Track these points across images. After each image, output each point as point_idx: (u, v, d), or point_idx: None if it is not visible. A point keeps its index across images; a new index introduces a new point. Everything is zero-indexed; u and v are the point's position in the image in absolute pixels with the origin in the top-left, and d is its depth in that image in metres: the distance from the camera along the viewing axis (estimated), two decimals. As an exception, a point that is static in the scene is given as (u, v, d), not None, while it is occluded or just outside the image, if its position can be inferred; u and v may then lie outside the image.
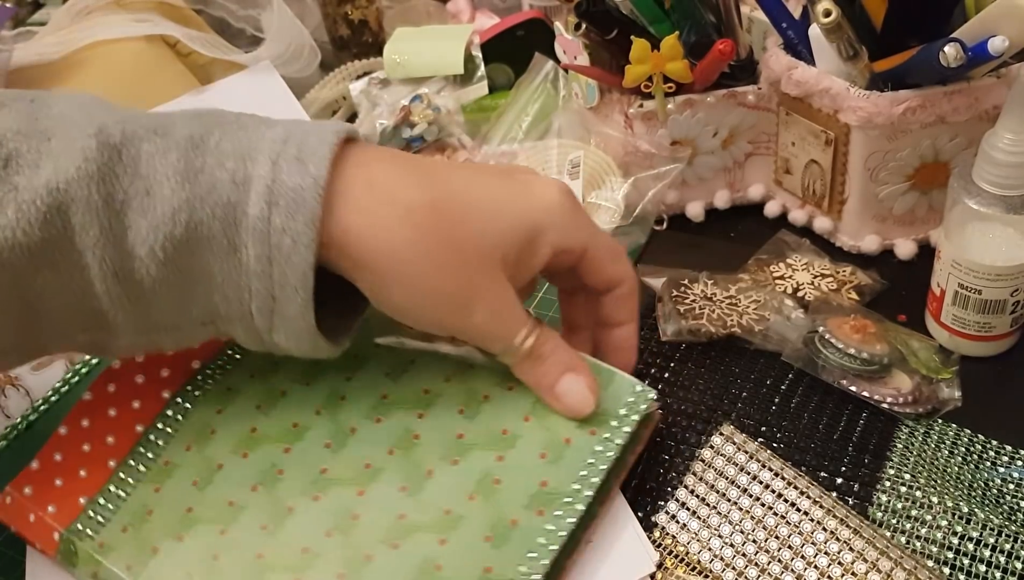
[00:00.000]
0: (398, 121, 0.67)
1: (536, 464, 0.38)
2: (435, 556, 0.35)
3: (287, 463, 0.39)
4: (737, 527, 0.41)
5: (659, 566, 0.40)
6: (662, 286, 0.53)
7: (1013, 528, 0.40)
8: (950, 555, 0.40)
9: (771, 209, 0.61)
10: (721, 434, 0.44)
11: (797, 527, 0.40)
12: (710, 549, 0.41)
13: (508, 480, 0.37)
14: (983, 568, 0.39)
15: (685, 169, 0.59)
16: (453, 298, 0.37)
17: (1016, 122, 0.43)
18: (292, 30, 0.74)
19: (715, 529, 0.41)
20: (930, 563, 0.39)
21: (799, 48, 0.54)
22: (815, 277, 0.54)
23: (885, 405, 0.46)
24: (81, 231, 0.33)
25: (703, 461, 0.44)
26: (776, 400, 0.47)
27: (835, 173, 0.55)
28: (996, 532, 0.40)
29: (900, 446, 0.44)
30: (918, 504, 0.41)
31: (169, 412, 0.42)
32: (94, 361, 0.50)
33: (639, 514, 0.42)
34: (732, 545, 0.41)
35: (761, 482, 0.42)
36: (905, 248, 0.56)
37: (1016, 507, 0.41)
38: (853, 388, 0.46)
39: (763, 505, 0.41)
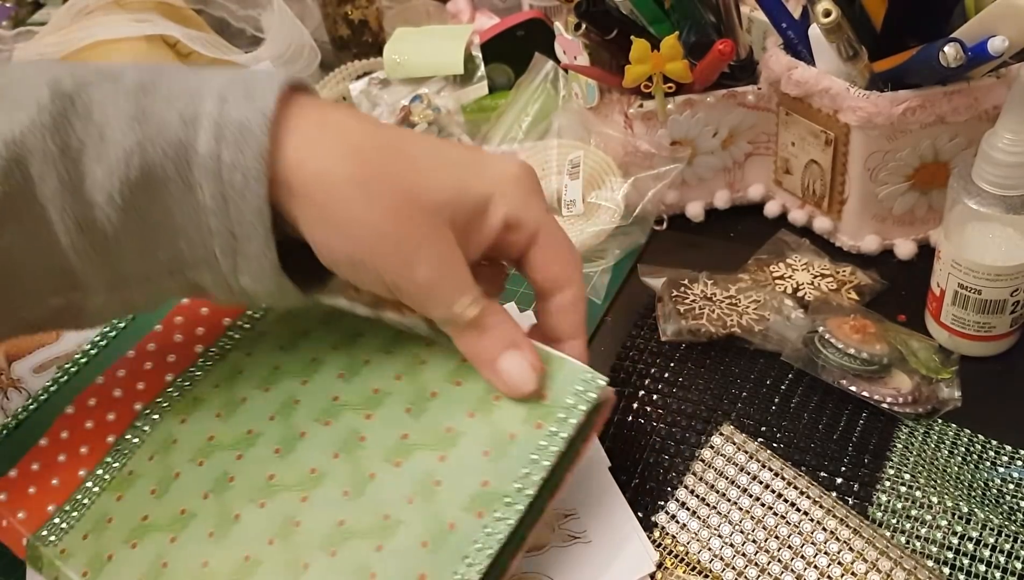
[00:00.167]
0: (398, 121, 0.67)
1: (478, 463, 0.36)
2: (370, 563, 0.34)
3: (238, 470, 0.39)
4: (737, 527, 0.41)
5: (659, 566, 0.40)
6: (662, 286, 0.53)
7: (1013, 528, 0.40)
8: (950, 555, 0.40)
9: (771, 209, 0.61)
10: (721, 434, 0.45)
11: (797, 527, 0.40)
12: (710, 549, 0.41)
13: (449, 481, 0.36)
14: (983, 568, 0.39)
15: (685, 169, 0.59)
16: (395, 245, 0.35)
17: (1016, 122, 0.43)
18: (292, 30, 0.75)
19: (715, 529, 0.41)
20: (930, 563, 0.39)
21: (799, 48, 0.54)
22: (815, 277, 0.54)
23: (885, 405, 0.46)
24: (40, 182, 0.33)
25: (703, 461, 0.44)
26: (776, 400, 0.47)
27: (835, 173, 0.55)
28: (996, 532, 0.40)
29: (900, 446, 0.44)
30: (918, 504, 0.41)
31: (138, 423, 0.43)
32: (83, 360, 0.50)
33: (639, 514, 0.42)
34: (732, 545, 0.41)
35: (761, 482, 0.42)
36: (905, 248, 0.56)
37: (1016, 507, 0.41)
38: (853, 388, 0.46)
39: (763, 505, 0.41)
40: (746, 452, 0.43)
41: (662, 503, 0.43)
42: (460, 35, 0.72)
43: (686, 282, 0.54)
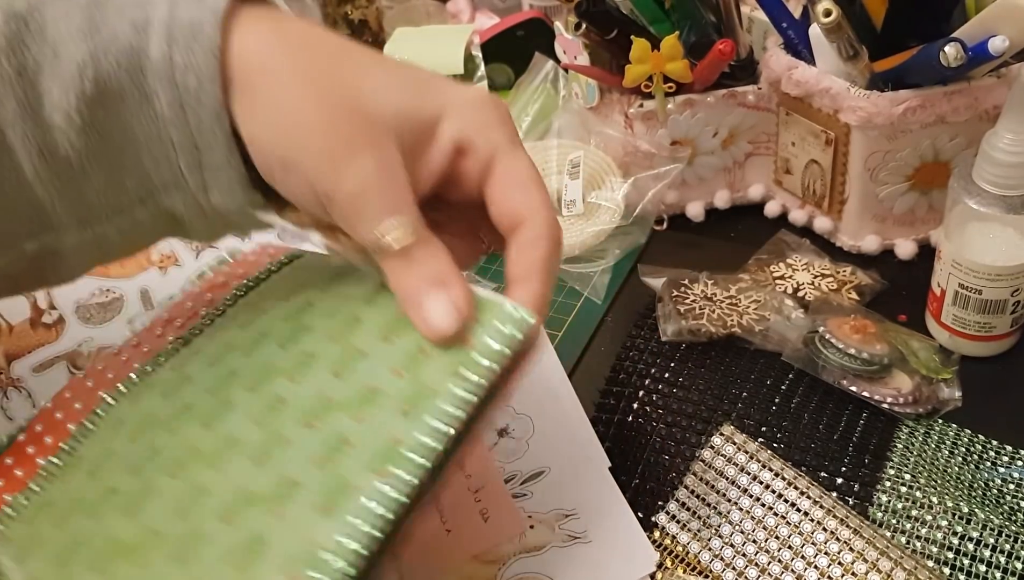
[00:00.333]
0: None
1: (393, 421, 0.34)
2: (264, 530, 0.33)
3: (166, 445, 0.39)
4: (737, 527, 0.41)
5: (659, 566, 0.40)
6: (662, 286, 0.53)
7: (1013, 528, 0.40)
8: (950, 555, 0.40)
9: (771, 209, 0.61)
10: (721, 434, 0.45)
11: (797, 527, 0.40)
12: (710, 549, 0.41)
13: (360, 441, 0.33)
14: (983, 568, 0.39)
15: (685, 169, 0.59)
16: (326, 145, 0.33)
17: (1016, 122, 0.43)
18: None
19: (715, 529, 0.41)
20: (930, 563, 0.39)
21: (799, 48, 0.54)
22: (815, 277, 0.54)
23: (885, 405, 0.46)
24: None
25: (703, 461, 0.44)
26: (776, 400, 0.47)
27: (835, 173, 0.55)
28: (996, 532, 0.40)
29: (900, 446, 0.44)
30: (918, 504, 0.41)
31: (97, 410, 0.43)
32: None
33: (639, 514, 0.42)
34: (732, 545, 0.41)
35: (761, 482, 0.42)
36: (905, 248, 0.56)
37: (1016, 507, 0.41)
38: (853, 388, 0.46)
39: (763, 505, 0.41)
40: (746, 452, 0.43)
41: (662, 503, 0.43)
42: (460, 35, 0.72)
43: (686, 282, 0.54)
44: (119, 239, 0.37)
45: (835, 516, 0.40)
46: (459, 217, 0.38)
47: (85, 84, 0.33)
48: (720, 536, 0.41)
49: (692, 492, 0.43)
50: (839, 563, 0.39)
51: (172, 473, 0.37)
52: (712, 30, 0.57)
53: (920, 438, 0.45)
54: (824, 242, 0.58)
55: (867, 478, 0.43)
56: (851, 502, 0.42)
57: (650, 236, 0.60)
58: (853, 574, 0.39)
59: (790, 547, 0.40)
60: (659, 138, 0.58)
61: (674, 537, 0.42)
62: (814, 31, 0.52)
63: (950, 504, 0.41)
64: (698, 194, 0.61)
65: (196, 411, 0.39)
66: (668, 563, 0.41)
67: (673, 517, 0.42)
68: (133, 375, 0.43)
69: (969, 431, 0.45)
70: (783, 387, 0.48)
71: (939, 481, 0.42)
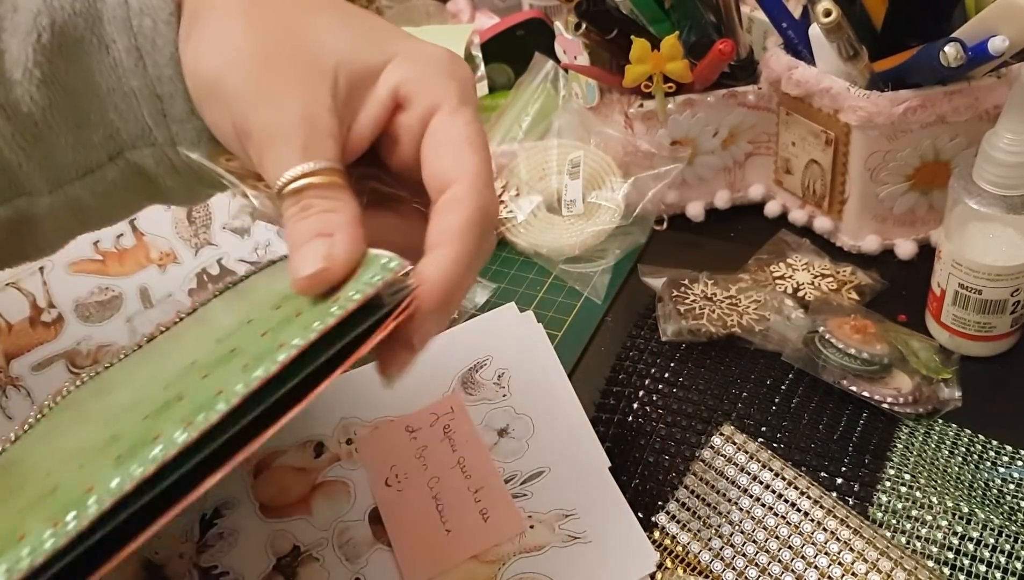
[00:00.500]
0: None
1: (232, 376, 0.30)
2: (63, 480, 0.31)
3: (63, 418, 0.37)
4: (737, 527, 0.41)
5: (659, 566, 0.40)
6: (662, 286, 0.53)
7: (1013, 528, 0.40)
8: (950, 555, 0.39)
9: (771, 209, 0.61)
10: (721, 434, 0.44)
11: (797, 528, 0.40)
12: (710, 549, 0.41)
13: (190, 396, 0.30)
14: (983, 568, 0.39)
15: (685, 169, 0.59)
16: (252, 71, 0.31)
17: (1016, 122, 0.43)
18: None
19: (715, 529, 0.41)
20: (930, 563, 0.39)
21: (799, 48, 0.54)
22: (815, 277, 0.54)
23: (885, 405, 0.46)
24: None
25: (703, 461, 0.44)
26: (776, 400, 0.47)
27: (835, 173, 0.55)
28: (996, 532, 0.40)
29: (900, 446, 0.44)
30: (918, 504, 0.41)
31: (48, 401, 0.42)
32: None
33: (639, 514, 0.42)
34: (732, 545, 0.41)
35: (761, 482, 0.42)
36: (905, 248, 0.56)
37: (1016, 507, 0.41)
38: (853, 388, 0.46)
39: (763, 506, 0.41)
40: (746, 452, 0.43)
41: (662, 503, 0.43)
42: (460, 35, 0.72)
43: (686, 282, 0.54)
44: (94, 202, 0.36)
45: (835, 516, 0.40)
46: (413, 193, 0.34)
47: (42, 33, 0.32)
48: (720, 536, 0.41)
49: (692, 492, 0.43)
50: (839, 563, 0.39)
51: (50, 435, 0.36)
52: (712, 30, 0.57)
53: (920, 438, 0.45)
54: (824, 242, 0.58)
55: (867, 478, 0.43)
56: (851, 502, 0.42)
57: (650, 236, 0.60)
58: (853, 574, 0.38)
59: (790, 547, 0.40)
60: (659, 138, 0.58)
61: (674, 537, 0.41)
62: (814, 31, 0.52)
63: (950, 504, 0.41)
64: (698, 194, 0.61)
65: (105, 387, 0.38)
66: (668, 563, 0.41)
67: (673, 517, 0.42)
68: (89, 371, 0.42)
69: (969, 431, 0.45)
70: (783, 387, 0.48)
71: (939, 481, 0.42)
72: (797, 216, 0.59)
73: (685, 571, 0.40)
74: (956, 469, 0.43)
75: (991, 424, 0.45)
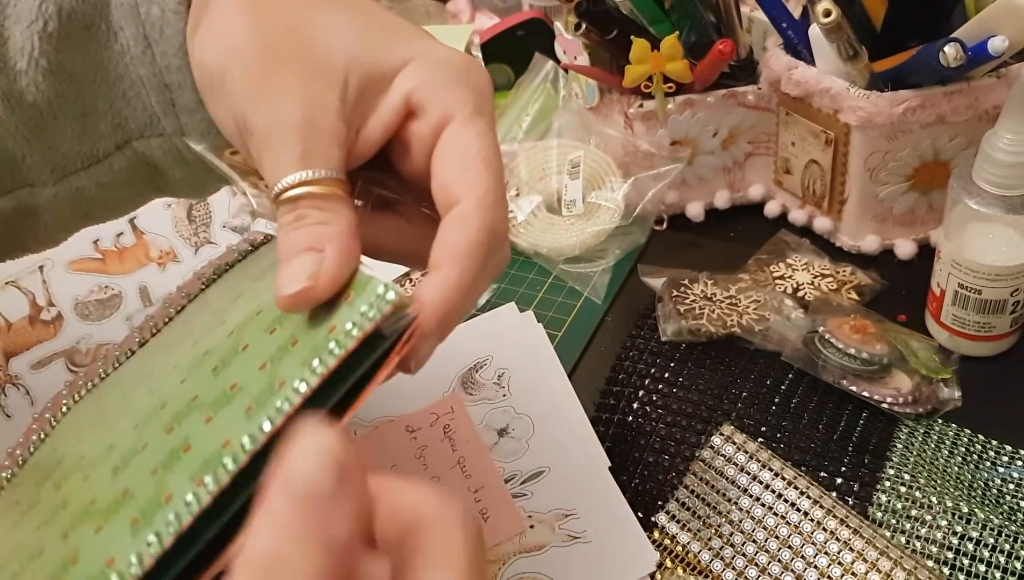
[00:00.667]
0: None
1: (235, 422, 0.29)
2: (81, 547, 0.30)
3: (68, 453, 0.36)
4: (737, 527, 0.41)
5: (659, 566, 0.40)
6: (662, 286, 0.53)
7: (1013, 528, 0.40)
8: (950, 555, 0.40)
9: (771, 209, 0.61)
10: (721, 434, 0.44)
11: (797, 527, 0.40)
12: (710, 549, 0.41)
13: (198, 447, 0.29)
14: (983, 568, 0.39)
15: (685, 169, 0.59)
16: (257, 66, 0.30)
17: (1016, 122, 0.43)
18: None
19: (715, 529, 0.41)
20: (930, 563, 0.39)
21: (799, 48, 0.54)
22: (815, 277, 0.54)
23: (885, 405, 0.46)
24: None
25: (703, 461, 0.44)
26: (776, 400, 0.47)
27: (835, 173, 0.55)
28: (996, 532, 0.40)
29: (900, 446, 0.44)
30: (918, 504, 0.41)
31: (34, 438, 0.41)
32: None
33: (639, 514, 0.42)
34: (732, 545, 0.41)
35: (761, 482, 0.42)
36: (905, 248, 0.56)
37: (1016, 507, 0.41)
38: (853, 388, 0.46)
39: (763, 505, 0.41)
40: (746, 452, 0.43)
41: (662, 503, 0.43)
42: (460, 35, 0.72)
43: (686, 282, 0.54)
44: (98, 193, 0.36)
45: (835, 516, 0.40)
46: (421, 198, 0.33)
47: (49, 22, 0.32)
48: (720, 536, 0.41)
49: (692, 492, 0.43)
50: (839, 563, 0.39)
51: (58, 484, 0.35)
52: (712, 30, 0.57)
53: (920, 438, 0.45)
54: (824, 242, 0.58)
55: (867, 478, 0.43)
56: (851, 502, 0.42)
57: (650, 236, 0.60)
58: (853, 574, 0.38)
59: (790, 547, 0.40)
60: (659, 138, 0.58)
61: (674, 537, 0.41)
62: (814, 31, 0.52)
63: (950, 504, 0.41)
64: (698, 194, 0.61)
65: (104, 417, 0.37)
66: (668, 563, 0.41)
67: (673, 517, 0.42)
68: (81, 389, 0.41)
69: (969, 431, 0.45)
70: (783, 387, 0.48)
71: (939, 481, 0.42)
72: (797, 216, 0.59)
73: (685, 571, 0.40)
74: (956, 469, 0.43)
75: (991, 424, 0.45)
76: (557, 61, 0.66)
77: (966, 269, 0.46)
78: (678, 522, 0.42)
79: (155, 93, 0.33)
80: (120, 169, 0.35)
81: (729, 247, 0.59)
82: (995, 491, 0.42)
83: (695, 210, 0.61)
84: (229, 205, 0.63)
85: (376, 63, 0.30)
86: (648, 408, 0.48)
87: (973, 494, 0.42)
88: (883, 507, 0.42)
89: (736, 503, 0.42)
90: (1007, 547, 0.39)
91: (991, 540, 0.40)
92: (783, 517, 0.41)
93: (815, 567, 0.39)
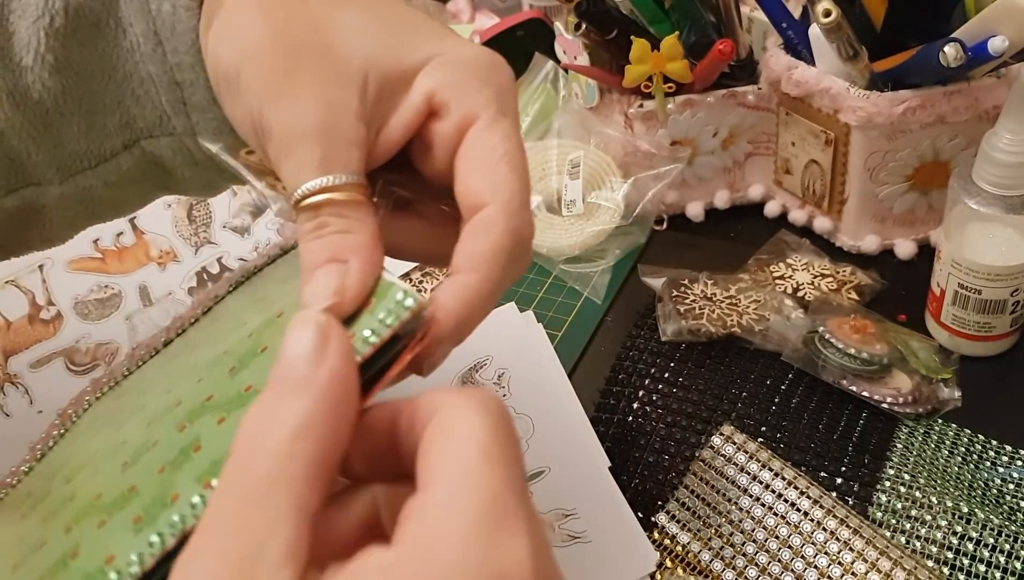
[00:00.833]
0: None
1: None
2: (83, 542, 0.30)
3: (82, 450, 0.37)
4: (737, 527, 0.41)
5: (659, 566, 0.40)
6: (662, 286, 0.53)
7: (1013, 528, 0.40)
8: (950, 555, 0.39)
9: (771, 209, 0.61)
10: (721, 434, 0.44)
11: (797, 527, 0.40)
12: (710, 549, 0.41)
13: (208, 448, 0.30)
14: (983, 568, 0.39)
15: (685, 169, 0.59)
16: (274, 67, 0.29)
17: (1016, 122, 0.43)
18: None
19: (715, 529, 0.41)
20: (930, 563, 0.39)
21: (799, 48, 0.54)
22: (815, 277, 0.54)
23: (885, 405, 0.46)
24: None
25: (703, 461, 0.44)
26: (776, 400, 0.47)
27: (835, 173, 0.55)
28: (996, 532, 0.40)
29: (900, 446, 0.44)
30: (918, 504, 0.41)
31: (72, 413, 0.41)
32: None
33: (639, 514, 0.42)
34: (732, 545, 0.41)
35: (761, 482, 0.42)
36: (905, 248, 0.56)
37: (1016, 507, 0.41)
38: (853, 388, 0.46)
39: (763, 505, 0.41)
40: (746, 452, 0.43)
41: (662, 503, 0.43)
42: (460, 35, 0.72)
43: (686, 282, 0.54)
44: (105, 192, 0.35)
45: (835, 516, 0.40)
46: (441, 196, 0.32)
47: (55, 17, 0.31)
48: (720, 536, 0.41)
49: (692, 492, 0.43)
50: (839, 563, 0.39)
51: (68, 477, 0.35)
52: (712, 30, 0.57)
53: (920, 438, 0.45)
54: (824, 242, 0.58)
55: (867, 478, 0.43)
56: (851, 502, 0.42)
57: (650, 236, 0.60)
58: (853, 574, 0.38)
59: (790, 547, 0.40)
60: (659, 138, 0.58)
61: (674, 537, 0.41)
62: (814, 31, 0.52)
63: (950, 504, 0.41)
64: (698, 194, 0.61)
65: (121, 413, 0.37)
66: (668, 563, 0.41)
67: (673, 517, 0.42)
68: (88, 398, 0.41)
69: (969, 431, 0.45)
70: (783, 387, 0.48)
71: (939, 481, 0.42)
72: (797, 216, 0.59)
73: (685, 571, 0.40)
74: (956, 469, 0.43)
75: (991, 424, 0.45)
76: (557, 61, 0.66)
77: (966, 269, 0.46)
78: (678, 522, 0.42)
79: (165, 91, 0.33)
80: (128, 168, 0.35)
81: (729, 247, 0.59)
82: (995, 491, 0.42)
83: (695, 210, 0.61)
84: (229, 205, 0.63)
85: (396, 62, 0.30)
86: (648, 408, 0.48)
87: (973, 494, 0.42)
88: (883, 507, 0.42)
89: (736, 503, 0.42)
90: (1007, 547, 0.39)
91: (991, 540, 0.40)
92: (783, 517, 0.41)
93: (815, 567, 0.39)
